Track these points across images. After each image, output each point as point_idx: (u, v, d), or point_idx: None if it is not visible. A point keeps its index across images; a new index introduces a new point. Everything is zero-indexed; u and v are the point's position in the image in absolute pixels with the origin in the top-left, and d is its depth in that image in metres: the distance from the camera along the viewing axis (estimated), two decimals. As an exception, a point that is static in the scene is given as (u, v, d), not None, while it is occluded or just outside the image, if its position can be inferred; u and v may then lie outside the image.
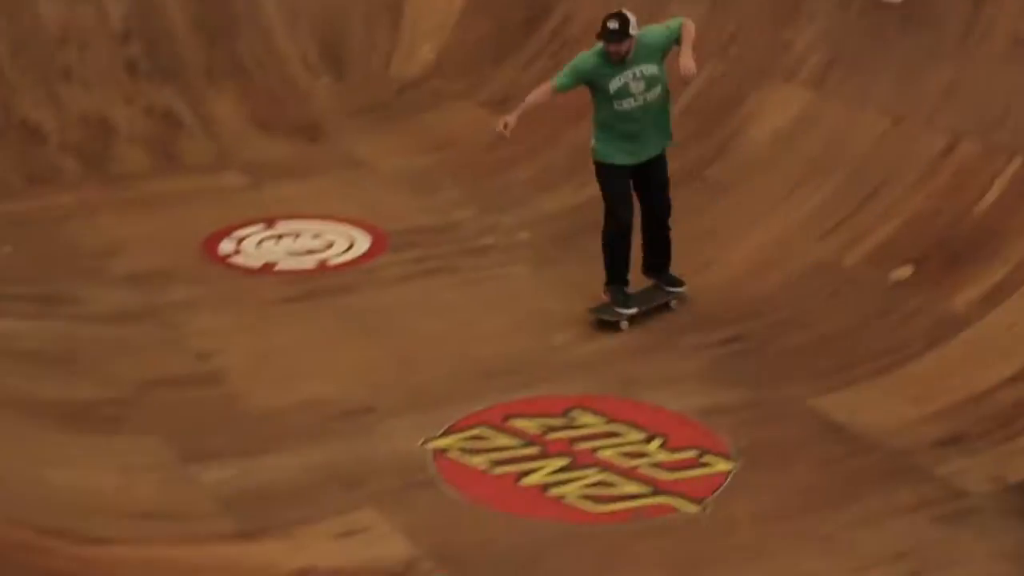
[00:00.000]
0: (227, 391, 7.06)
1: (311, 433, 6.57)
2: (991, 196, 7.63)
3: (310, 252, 8.86)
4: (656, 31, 7.50)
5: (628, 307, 7.60)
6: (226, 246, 8.99)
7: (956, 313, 7.18)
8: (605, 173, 7.56)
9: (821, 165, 8.60)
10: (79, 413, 6.62)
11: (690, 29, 7.43)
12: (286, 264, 8.69)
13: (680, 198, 7.86)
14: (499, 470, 6.30)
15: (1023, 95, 7.89)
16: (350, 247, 8.93)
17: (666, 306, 7.78)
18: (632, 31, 7.27)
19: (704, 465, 6.31)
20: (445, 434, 6.57)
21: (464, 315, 7.96)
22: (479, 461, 6.37)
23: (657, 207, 7.72)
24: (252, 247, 8.97)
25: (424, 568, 5.44)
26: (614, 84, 7.34)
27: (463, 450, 6.45)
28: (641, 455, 6.38)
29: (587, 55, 7.47)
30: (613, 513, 5.95)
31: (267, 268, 8.65)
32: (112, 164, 10.39)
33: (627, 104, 7.39)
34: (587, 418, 6.72)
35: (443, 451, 6.45)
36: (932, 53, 8.48)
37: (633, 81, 7.36)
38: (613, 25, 7.25)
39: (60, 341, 7.45)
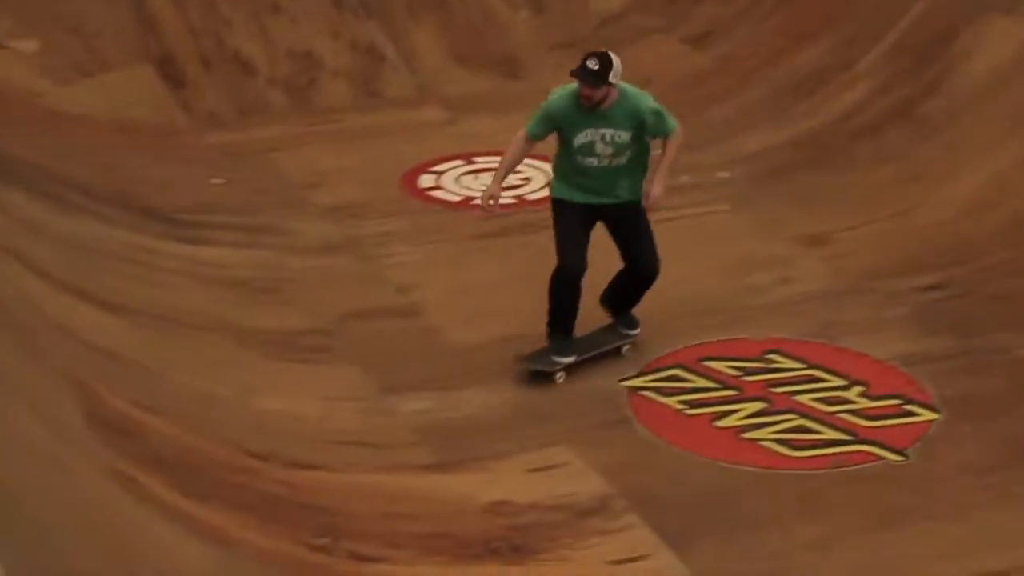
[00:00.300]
0: (425, 324, 7.18)
1: (506, 368, 6.64)
2: None
3: (508, 187, 8.90)
4: (649, 107, 6.41)
5: (566, 355, 6.54)
6: (425, 180, 9.11)
7: None
8: (556, 210, 6.61)
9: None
10: (286, 342, 6.83)
11: (675, 145, 6.50)
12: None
13: (884, 140, 7.61)
14: (693, 411, 6.27)
15: None
16: (547, 183, 8.94)
17: (616, 352, 6.70)
18: (612, 79, 6.23)
19: (907, 414, 6.16)
20: (640, 374, 6.57)
21: (662, 254, 7.89)
22: (673, 401, 6.35)
23: (639, 261, 6.61)
24: (451, 181, 9.06)
25: (618, 506, 5.46)
26: (579, 139, 6.36)
27: (658, 390, 6.44)
28: (841, 401, 6.26)
29: (558, 97, 6.48)
30: (811, 458, 5.87)
31: (465, 203, 8.74)
32: (317, 97, 10.61)
33: (588, 162, 6.43)
34: (785, 362, 6.61)
35: (637, 390, 6.45)
36: None
37: (601, 143, 6.36)
38: (592, 65, 6.21)
39: (268, 270, 7.69)
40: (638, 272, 6.64)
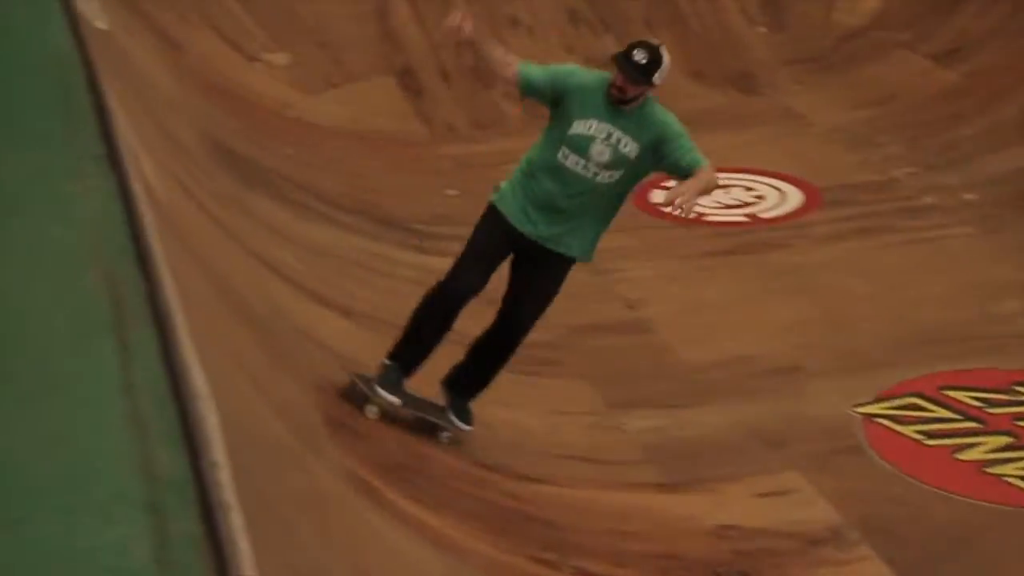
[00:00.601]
0: (654, 341, 7.14)
1: (736, 389, 6.54)
2: None
3: (741, 205, 8.79)
4: (674, 127, 5.37)
5: (393, 395, 5.48)
6: (657, 195, 9.05)
7: None
8: (482, 218, 5.65)
9: None
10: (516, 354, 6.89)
11: (709, 177, 5.30)
12: (716, 216, 8.66)
13: None
14: (932, 442, 6.04)
15: None
16: (781, 202, 8.79)
17: (433, 429, 5.65)
18: (657, 79, 5.29)
19: None
20: (875, 400, 6.37)
21: (900, 277, 7.66)
22: (911, 431, 6.13)
23: (517, 314, 5.60)
24: (683, 198, 8.99)
25: (851, 537, 5.31)
26: (580, 126, 5.27)
27: (894, 418, 6.23)
28: (1096, 440, 5.95)
29: (584, 72, 5.50)
30: (1061, 499, 5.59)
31: (698, 220, 8.66)
32: (551, 111, 10.69)
33: (571, 162, 5.30)
34: (1034, 395, 6.32)
35: (872, 417, 6.25)
36: None
37: (601, 143, 5.28)
38: (640, 57, 5.22)
39: (501, 283, 7.75)
40: (506, 324, 5.60)
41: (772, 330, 7.14)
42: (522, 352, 6.95)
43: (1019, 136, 8.83)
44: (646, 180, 5.76)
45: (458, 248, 8.43)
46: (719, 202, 8.82)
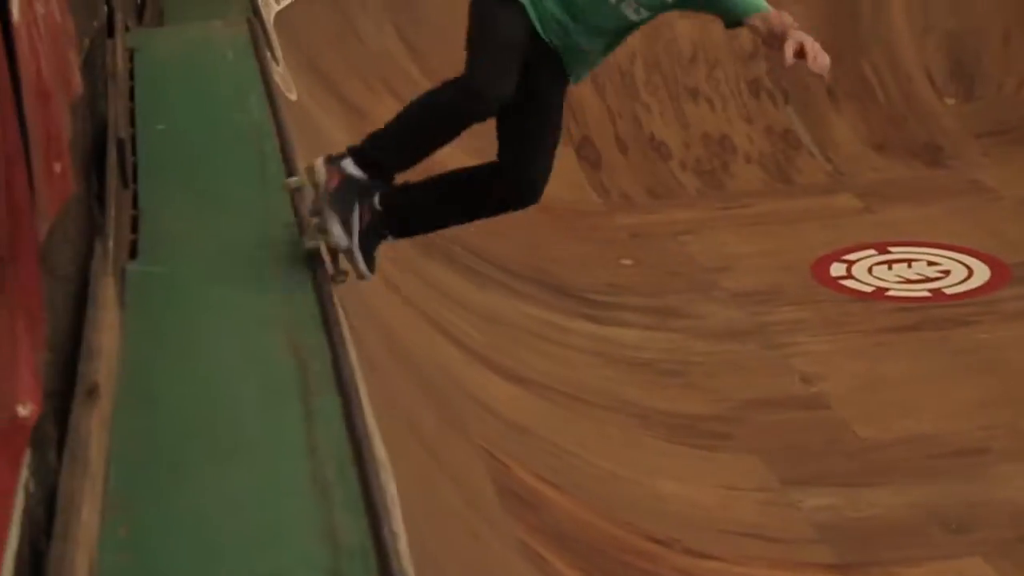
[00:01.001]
0: (830, 417, 7.03)
1: (917, 470, 6.39)
2: None
3: (925, 280, 8.62)
4: None
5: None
6: (836, 269, 8.95)
7: None
8: (499, 8, 4.23)
9: None
10: (687, 426, 6.88)
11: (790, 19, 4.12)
12: (898, 291, 8.51)
13: None
14: None
15: None
16: (968, 277, 8.59)
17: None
18: None
19: None
20: (1069, 486, 6.15)
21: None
22: (1104, 522, 5.90)
23: (518, 166, 4.34)
24: (863, 271, 8.87)
25: (1035, 630, 5.13)
26: None
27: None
28: None
29: None
30: None
31: (878, 294, 8.52)
32: (729, 182, 10.69)
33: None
34: None
35: (1064, 505, 6.04)
36: None
37: None
38: None
39: (673, 353, 7.78)
40: (506, 182, 4.35)
41: (956, 409, 6.96)
42: (692, 425, 6.96)
43: None
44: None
45: (637, 317, 8.57)
46: (901, 276, 8.68)
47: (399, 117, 4.31)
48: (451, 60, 4.40)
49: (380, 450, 3.10)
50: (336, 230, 4.13)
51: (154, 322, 3.62)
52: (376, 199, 4.18)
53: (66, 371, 2.97)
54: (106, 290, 3.35)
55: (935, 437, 6.65)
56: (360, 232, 4.15)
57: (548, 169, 4.40)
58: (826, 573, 5.66)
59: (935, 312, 8.19)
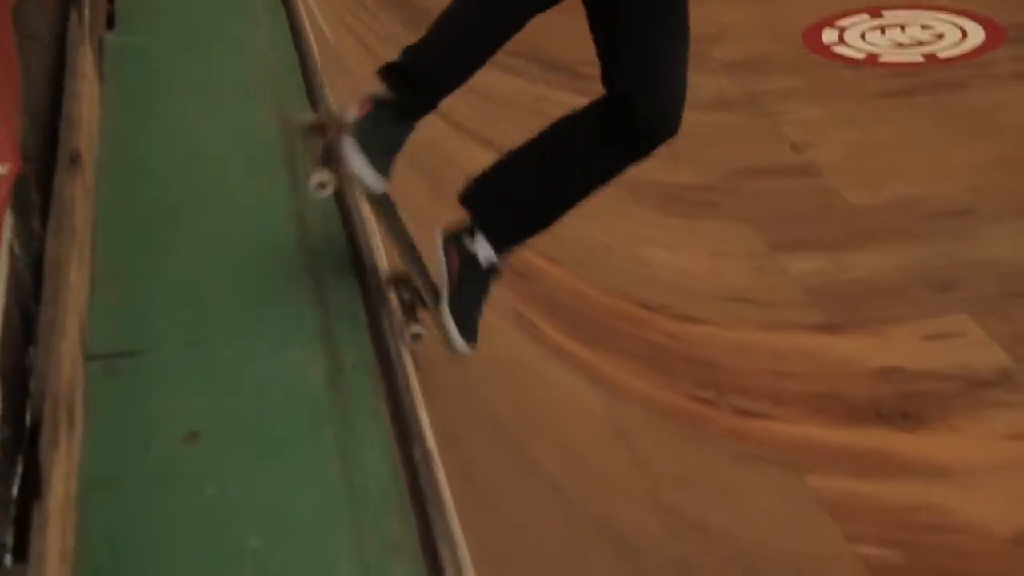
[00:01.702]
0: (820, 184, 7.04)
1: (904, 232, 6.44)
2: None
3: (918, 44, 8.51)
4: None
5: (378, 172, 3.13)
6: (828, 35, 8.83)
7: None
8: None
9: None
10: (675, 196, 6.89)
11: None
12: (891, 56, 8.40)
13: None
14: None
15: None
16: (962, 39, 8.48)
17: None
18: None
19: None
20: (1054, 245, 6.21)
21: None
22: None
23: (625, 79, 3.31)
24: (855, 37, 8.75)
25: (1020, 380, 5.25)
26: None
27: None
28: None
29: None
30: None
31: (871, 59, 8.42)
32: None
33: None
34: None
35: (1050, 263, 6.11)
36: None
37: None
38: None
39: None
40: (618, 106, 3.33)
41: (946, 172, 6.97)
42: (680, 194, 6.98)
43: None
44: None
45: None
46: (894, 41, 8.57)
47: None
48: None
49: (370, 219, 3.11)
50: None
51: (134, 93, 3.59)
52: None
53: (46, 139, 2.95)
54: (84, 59, 3.31)
55: (923, 200, 6.67)
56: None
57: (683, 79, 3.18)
58: (813, 333, 5.76)
59: (928, 76, 8.11)
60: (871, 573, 4.35)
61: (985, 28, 8.55)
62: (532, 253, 5.64)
